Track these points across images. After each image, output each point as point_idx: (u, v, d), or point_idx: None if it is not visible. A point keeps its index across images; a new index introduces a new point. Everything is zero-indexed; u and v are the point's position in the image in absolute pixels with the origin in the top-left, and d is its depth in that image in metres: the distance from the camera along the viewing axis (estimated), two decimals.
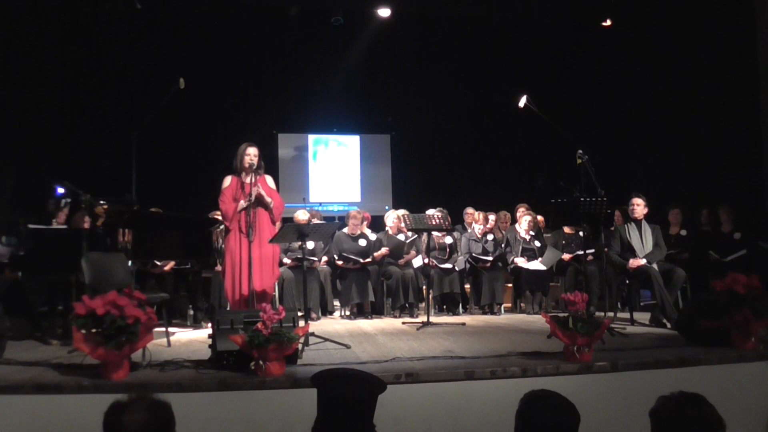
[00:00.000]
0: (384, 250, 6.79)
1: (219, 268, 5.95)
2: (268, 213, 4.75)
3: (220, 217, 5.42)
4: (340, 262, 6.66)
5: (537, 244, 7.09)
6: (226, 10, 8.99)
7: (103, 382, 3.21)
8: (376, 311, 6.70)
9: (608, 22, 9.31)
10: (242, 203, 4.64)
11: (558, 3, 9.06)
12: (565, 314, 3.77)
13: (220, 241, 5.87)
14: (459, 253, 6.97)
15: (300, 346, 3.80)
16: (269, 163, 5.14)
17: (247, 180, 4.69)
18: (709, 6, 7.76)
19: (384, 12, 8.96)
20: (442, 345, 4.41)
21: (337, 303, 6.95)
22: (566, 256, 6.85)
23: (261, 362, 3.29)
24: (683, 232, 6.93)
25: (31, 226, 4.99)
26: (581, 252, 6.11)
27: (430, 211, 6.20)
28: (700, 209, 7.35)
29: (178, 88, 5.62)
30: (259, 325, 3.34)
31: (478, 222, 7.20)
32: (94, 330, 3.24)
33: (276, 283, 5.09)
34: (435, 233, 6.71)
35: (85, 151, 8.42)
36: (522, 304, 6.96)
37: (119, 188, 5.84)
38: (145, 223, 5.35)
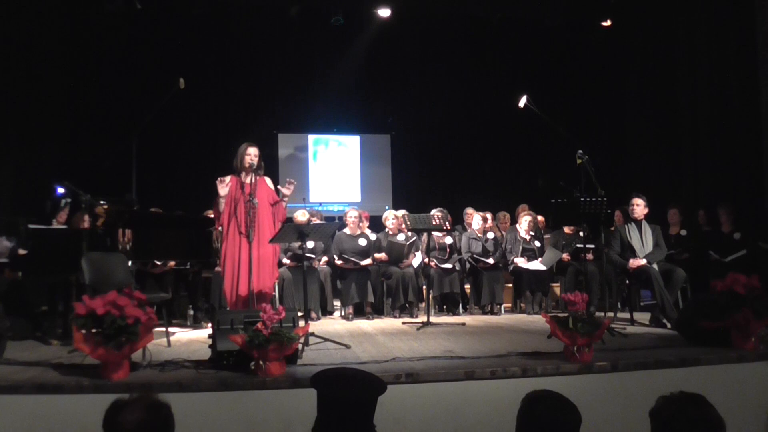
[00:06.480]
0: (383, 255, 6.78)
1: (219, 268, 5.95)
2: (269, 214, 4.75)
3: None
4: (339, 262, 6.66)
5: (537, 244, 7.09)
6: (226, 10, 8.99)
7: (103, 382, 3.21)
8: (376, 311, 6.70)
9: (608, 22, 9.33)
10: (222, 191, 4.58)
11: (558, 3, 9.06)
12: (565, 314, 3.77)
13: (220, 240, 5.87)
14: (459, 254, 6.97)
15: (300, 346, 3.80)
16: (269, 163, 5.14)
17: (247, 180, 4.70)
18: (709, 6, 7.76)
19: (384, 12, 8.96)
20: (442, 345, 4.41)
21: (337, 303, 6.94)
22: (566, 256, 6.85)
23: (261, 362, 3.29)
24: (683, 232, 6.92)
25: (31, 226, 5.00)
26: (581, 249, 6.10)
27: (432, 212, 6.19)
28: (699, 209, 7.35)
29: (178, 88, 5.62)
30: (259, 325, 3.34)
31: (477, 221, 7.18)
32: (94, 330, 3.25)
33: (276, 283, 5.09)
34: (435, 233, 6.70)
35: (85, 151, 8.43)
36: (522, 304, 6.95)
37: (119, 188, 5.83)
38: (145, 223, 5.35)
